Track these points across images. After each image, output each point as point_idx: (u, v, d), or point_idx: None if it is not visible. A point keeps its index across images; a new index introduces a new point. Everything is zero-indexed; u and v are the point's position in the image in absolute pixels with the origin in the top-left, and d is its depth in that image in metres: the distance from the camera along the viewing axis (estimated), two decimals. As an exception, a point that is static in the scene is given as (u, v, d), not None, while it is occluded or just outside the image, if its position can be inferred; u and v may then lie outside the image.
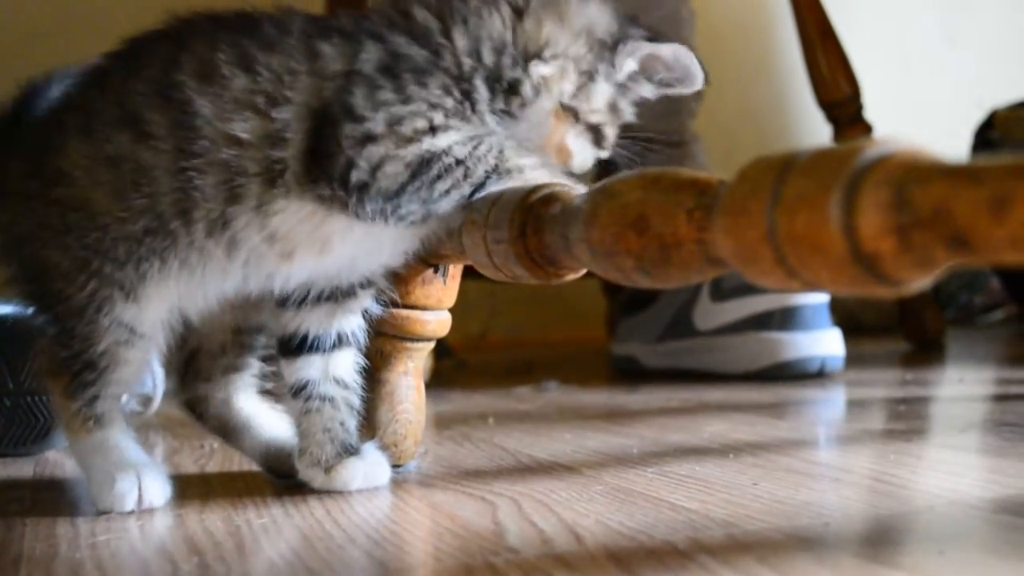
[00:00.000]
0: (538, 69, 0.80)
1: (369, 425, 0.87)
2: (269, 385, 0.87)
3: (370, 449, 0.82)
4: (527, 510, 0.72)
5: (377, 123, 0.74)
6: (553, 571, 0.58)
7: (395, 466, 0.88)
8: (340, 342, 0.82)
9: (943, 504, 0.70)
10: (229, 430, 0.87)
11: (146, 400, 1.20)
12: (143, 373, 0.82)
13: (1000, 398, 1.25)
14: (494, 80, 0.79)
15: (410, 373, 0.89)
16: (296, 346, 0.82)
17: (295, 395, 0.82)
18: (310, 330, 0.82)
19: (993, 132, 2.05)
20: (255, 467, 0.87)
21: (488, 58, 0.79)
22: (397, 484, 0.83)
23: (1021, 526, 0.64)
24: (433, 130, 0.75)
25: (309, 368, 0.81)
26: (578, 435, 1.03)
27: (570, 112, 0.81)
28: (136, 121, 0.76)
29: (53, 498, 0.87)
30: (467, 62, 0.79)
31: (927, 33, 2.61)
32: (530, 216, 0.70)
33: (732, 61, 2.40)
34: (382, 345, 0.87)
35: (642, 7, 1.69)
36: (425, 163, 0.75)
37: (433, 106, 0.76)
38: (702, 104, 1.77)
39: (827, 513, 0.68)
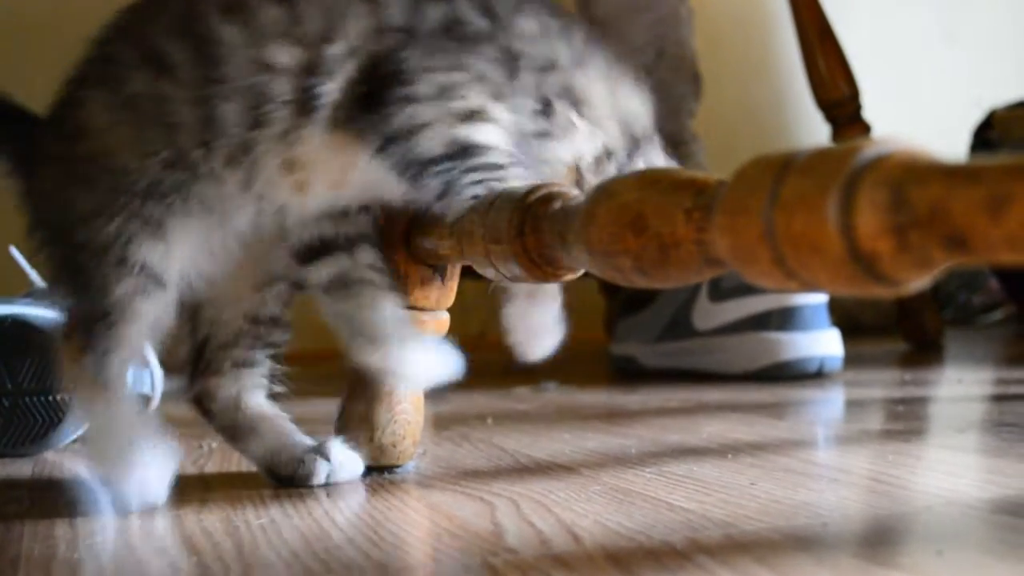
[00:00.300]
0: (572, 116, 0.80)
1: (367, 425, 0.87)
2: (278, 388, 0.87)
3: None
4: (525, 510, 0.72)
5: (425, 87, 0.75)
6: (551, 571, 0.58)
7: (393, 466, 0.88)
8: (359, 239, 0.83)
9: (941, 504, 0.70)
10: (235, 430, 0.86)
11: (145, 400, 1.20)
12: (153, 337, 0.81)
13: (999, 398, 1.25)
14: (537, 80, 0.79)
15: (408, 373, 0.89)
16: (318, 249, 0.82)
17: (330, 290, 0.82)
18: (327, 233, 0.82)
19: (992, 132, 2.05)
20: (255, 468, 0.87)
21: (539, 58, 0.80)
22: (395, 484, 0.83)
23: (1019, 526, 0.64)
24: (475, 114, 0.76)
25: (338, 262, 0.82)
26: (577, 435, 1.03)
27: (578, 176, 0.82)
28: (157, 57, 0.77)
29: (51, 499, 0.87)
30: (523, 47, 0.79)
31: (926, 33, 2.61)
32: (528, 216, 0.70)
33: (731, 61, 2.40)
34: (380, 345, 0.87)
35: (642, 6, 1.70)
36: (463, 150, 0.76)
37: (480, 78, 0.77)
38: (701, 104, 1.77)
39: (825, 513, 0.68)
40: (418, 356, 0.81)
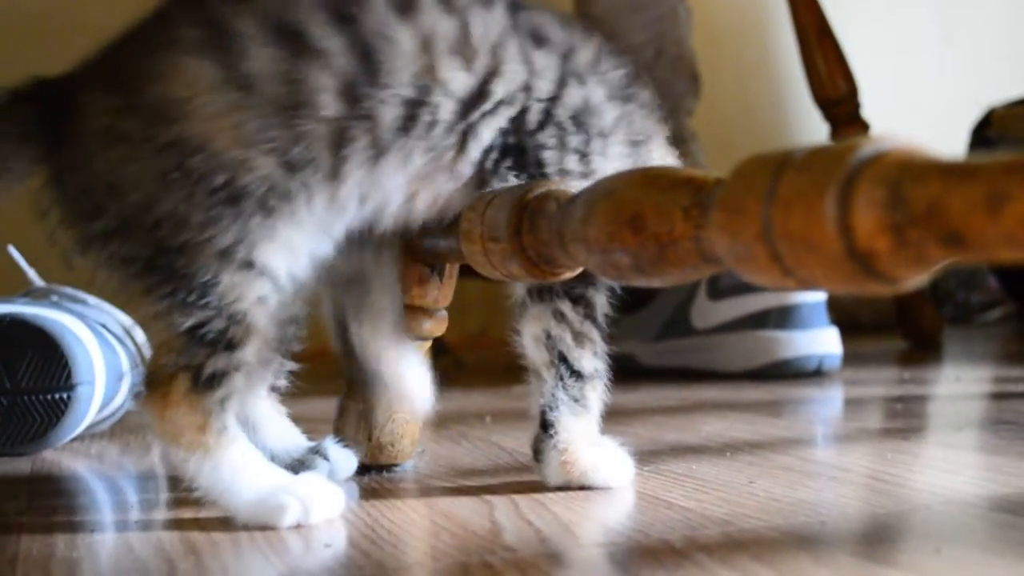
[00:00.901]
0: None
1: (365, 424, 0.87)
2: (281, 382, 0.85)
3: None
4: (524, 509, 0.72)
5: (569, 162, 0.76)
6: (549, 570, 0.58)
7: (392, 465, 0.88)
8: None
9: (939, 502, 0.70)
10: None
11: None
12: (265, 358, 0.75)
13: (997, 396, 1.25)
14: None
15: (407, 372, 0.89)
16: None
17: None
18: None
19: (990, 130, 2.05)
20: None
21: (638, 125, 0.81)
22: (394, 483, 0.83)
23: (1017, 524, 0.64)
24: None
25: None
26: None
27: None
28: (296, 35, 0.69)
29: (50, 497, 0.87)
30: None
31: (925, 31, 2.60)
32: (526, 214, 0.70)
33: (730, 59, 2.40)
34: (379, 344, 0.87)
35: (641, 5, 1.70)
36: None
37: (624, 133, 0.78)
38: (700, 102, 1.77)
39: (824, 511, 0.68)
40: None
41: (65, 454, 1.05)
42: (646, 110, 0.80)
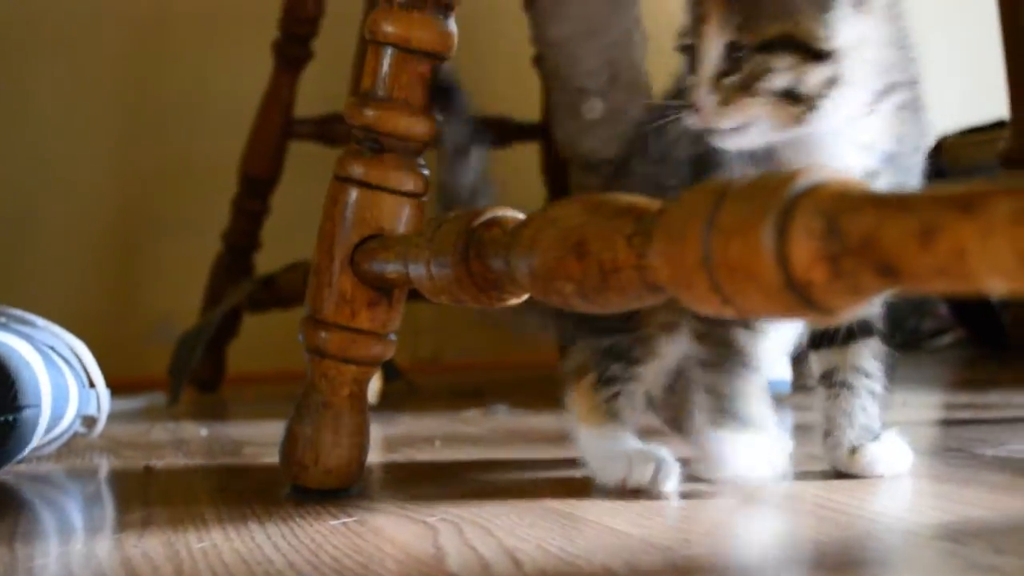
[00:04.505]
0: None
1: (312, 447, 0.86)
2: None
3: (891, 435, 0.91)
4: (468, 535, 0.72)
5: None
6: (491, 596, 0.58)
7: (339, 489, 0.87)
8: (856, 334, 0.94)
9: (882, 530, 0.70)
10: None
11: (90, 422, 1.19)
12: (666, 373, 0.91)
13: (944, 423, 1.26)
14: None
15: (355, 396, 0.88)
16: (822, 339, 0.92)
17: (820, 382, 0.92)
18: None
19: (941, 159, 2.07)
20: (196, 490, 0.86)
21: None
22: (339, 507, 0.82)
23: (959, 552, 0.64)
24: None
25: (831, 357, 0.92)
26: (524, 459, 1.03)
27: None
28: None
29: (-8, 521, 0.86)
30: None
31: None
32: (473, 240, 0.71)
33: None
34: (326, 368, 0.87)
35: (595, 31, 1.71)
36: None
37: None
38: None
39: (767, 538, 0.69)
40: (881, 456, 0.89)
41: (10, 477, 1.04)
42: None
